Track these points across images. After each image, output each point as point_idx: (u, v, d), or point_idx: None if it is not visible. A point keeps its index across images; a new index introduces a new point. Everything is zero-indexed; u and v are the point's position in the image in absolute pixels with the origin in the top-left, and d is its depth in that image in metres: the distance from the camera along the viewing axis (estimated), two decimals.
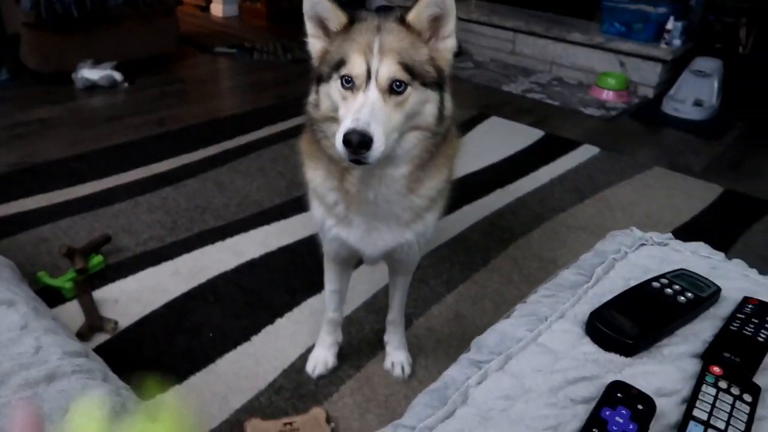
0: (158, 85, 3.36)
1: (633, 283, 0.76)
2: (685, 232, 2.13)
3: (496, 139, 2.83)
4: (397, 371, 1.48)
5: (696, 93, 3.32)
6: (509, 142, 2.81)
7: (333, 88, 0.97)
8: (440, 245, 1.96)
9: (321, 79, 1.01)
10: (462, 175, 2.43)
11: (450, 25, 0.99)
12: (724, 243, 2.09)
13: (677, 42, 3.48)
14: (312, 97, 1.04)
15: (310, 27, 1.04)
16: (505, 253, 1.95)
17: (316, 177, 1.13)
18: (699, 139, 3.04)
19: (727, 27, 3.51)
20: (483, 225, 2.11)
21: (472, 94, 3.51)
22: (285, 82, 3.53)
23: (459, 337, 1.59)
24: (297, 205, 2.11)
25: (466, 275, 1.84)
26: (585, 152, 2.75)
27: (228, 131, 2.73)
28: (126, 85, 3.27)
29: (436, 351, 1.56)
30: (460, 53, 4.18)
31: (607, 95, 3.48)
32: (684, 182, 2.53)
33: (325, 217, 1.16)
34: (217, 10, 5.11)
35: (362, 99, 0.92)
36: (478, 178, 2.45)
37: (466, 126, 2.95)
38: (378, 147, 0.89)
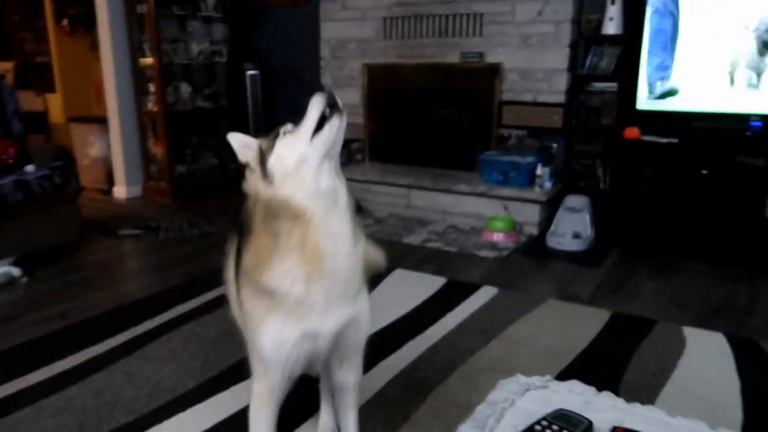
0: (60, 275, 3.30)
1: (520, 429, 0.85)
2: (584, 358, 2.31)
3: (403, 291, 2.98)
4: None
5: (573, 227, 3.72)
6: (415, 292, 2.97)
7: (298, 133, 1.18)
8: (361, 406, 1.98)
9: (264, 155, 1.19)
10: (375, 330, 2.53)
11: None
12: (620, 363, 2.27)
13: (548, 185, 3.94)
14: (258, 180, 1.18)
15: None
16: (424, 404, 2.00)
17: (279, 273, 1.16)
18: (582, 268, 3.36)
19: (586, 168, 4.05)
20: (400, 379, 2.17)
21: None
22: (193, 257, 3.59)
23: None
24: (212, 386, 2.08)
25: None
26: (485, 294, 2.95)
27: (135, 316, 2.70)
28: (25, 279, 3.19)
29: None
30: (360, 210, 4.46)
31: (498, 237, 3.81)
32: (575, 310, 2.76)
33: (284, 323, 1.19)
34: (120, 192, 5.20)
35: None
36: (391, 332, 2.55)
37: (374, 281, 3.09)
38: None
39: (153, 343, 2.45)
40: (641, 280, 3.18)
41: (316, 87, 5.10)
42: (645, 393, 2.06)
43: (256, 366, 1.31)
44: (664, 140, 3.57)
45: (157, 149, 5.16)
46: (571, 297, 2.95)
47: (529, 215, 3.96)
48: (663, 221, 3.54)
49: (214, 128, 5.47)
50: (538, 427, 0.83)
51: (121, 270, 3.56)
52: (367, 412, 1.96)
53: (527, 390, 0.98)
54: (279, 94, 5.53)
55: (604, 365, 2.26)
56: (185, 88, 5.23)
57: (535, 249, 3.67)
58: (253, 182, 1.21)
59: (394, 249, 3.71)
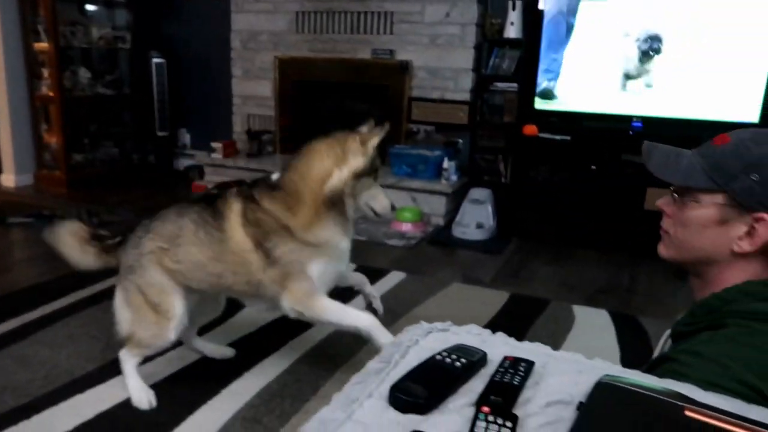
0: None
1: (423, 359, 0.92)
2: None
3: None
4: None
5: (476, 218, 3.91)
6: None
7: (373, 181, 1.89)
8: (270, 382, 2.00)
9: (361, 176, 1.83)
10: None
11: None
12: (516, 337, 2.42)
13: (454, 178, 4.12)
14: (345, 184, 1.79)
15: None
16: (333, 378, 2.05)
17: (327, 232, 1.78)
18: (485, 255, 3.54)
19: (489, 162, 4.26)
20: (311, 355, 2.20)
21: None
22: None
23: None
24: (114, 368, 2.02)
25: (297, 407, 1.89)
26: (394, 278, 3.05)
27: (29, 302, 2.54)
28: None
29: None
30: None
31: (406, 227, 3.93)
32: (477, 293, 2.91)
33: (326, 264, 1.81)
34: (8, 180, 4.84)
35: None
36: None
37: None
38: None
39: (49, 328, 2.33)
40: (538, 266, 3.40)
41: (226, 78, 5.02)
42: None
43: (296, 282, 1.78)
44: (558, 138, 3.84)
45: (52, 136, 4.86)
46: (474, 281, 3.11)
47: (436, 206, 4.11)
48: (558, 212, 3.81)
49: (116, 116, 5.23)
50: (438, 357, 0.91)
51: (9, 258, 3.33)
52: (277, 387, 1.99)
53: (430, 332, 1.06)
54: (187, 84, 5.38)
55: None
56: (84, 74, 4.96)
57: (441, 238, 3.82)
58: (340, 181, 1.78)
59: None
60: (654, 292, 3.08)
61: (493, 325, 2.47)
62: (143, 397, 1.87)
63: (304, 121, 4.86)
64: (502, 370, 0.91)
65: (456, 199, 4.17)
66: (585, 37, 3.74)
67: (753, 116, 3.43)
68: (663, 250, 1.11)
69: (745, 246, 0.92)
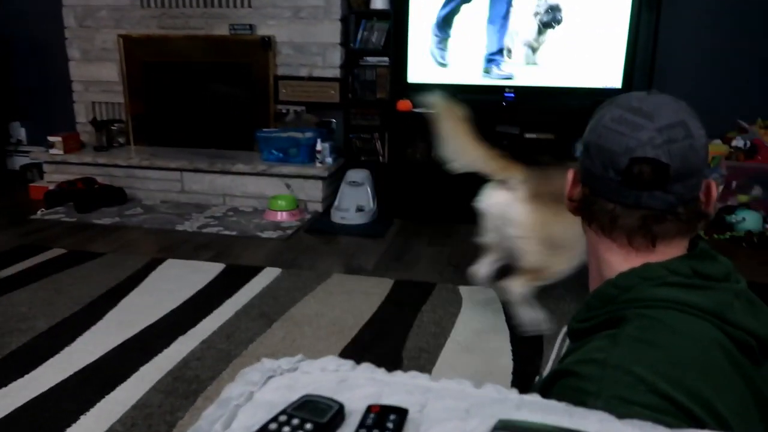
0: None
1: (254, 430, 0.66)
2: (369, 330, 2.25)
3: (174, 283, 2.65)
4: None
5: (356, 201, 3.70)
6: (188, 283, 2.65)
7: None
8: (114, 423, 1.66)
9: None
10: (136, 332, 2.18)
11: None
12: (403, 329, 2.25)
13: (329, 160, 3.86)
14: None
15: None
16: (193, 407, 1.75)
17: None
18: (367, 240, 3.34)
19: (365, 142, 4.05)
20: (166, 382, 1.87)
21: (144, 240, 3.29)
22: None
23: None
24: None
25: None
26: (267, 275, 2.75)
27: None
28: None
29: None
30: (126, 200, 3.95)
31: (281, 216, 3.63)
32: (360, 282, 2.70)
33: None
34: None
35: None
36: (157, 330, 2.22)
37: (137, 277, 2.71)
38: None
39: None
40: (421, 247, 3.26)
41: (62, 61, 4.37)
42: (427, 356, 2.06)
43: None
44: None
45: None
46: (356, 269, 2.90)
47: (313, 192, 3.84)
48: (438, 190, 3.69)
49: None
50: (273, 426, 0.64)
51: None
52: (124, 428, 1.65)
53: (271, 377, 0.79)
54: (17, 70, 4.64)
55: (388, 334, 2.22)
56: None
57: (319, 226, 3.57)
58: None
59: (164, 238, 3.32)
60: None
61: (378, 319, 2.27)
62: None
63: (160, 107, 4.36)
64: (364, 430, 0.67)
65: (333, 182, 3.92)
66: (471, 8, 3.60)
67: (616, 82, 3.48)
68: None
69: (568, 205, 0.87)
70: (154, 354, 2.04)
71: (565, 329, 0.94)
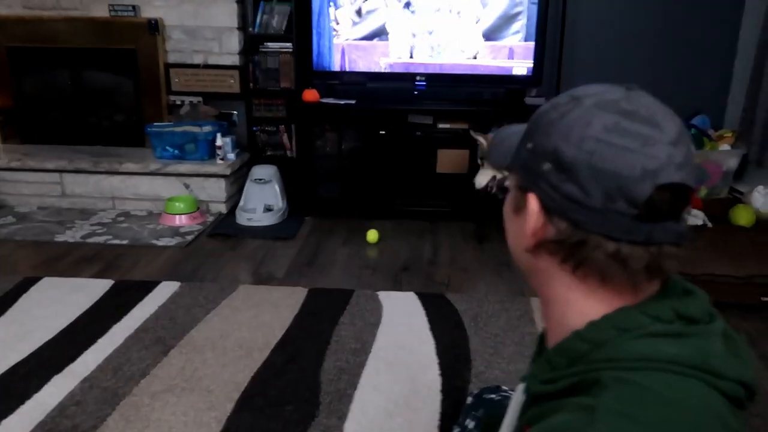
0: None
1: None
2: (281, 350, 2.02)
3: (50, 308, 2.27)
4: None
5: (263, 200, 3.42)
6: (67, 306, 2.29)
7: None
8: None
9: None
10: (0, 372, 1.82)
11: None
12: (320, 347, 2.03)
13: (231, 156, 3.55)
14: None
15: None
16: None
17: None
18: (277, 243, 3.08)
19: (271, 135, 3.77)
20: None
21: (16, 255, 2.85)
22: None
23: None
24: None
25: None
26: (164, 291, 2.44)
27: None
28: None
29: None
30: None
31: (180, 220, 3.29)
32: (270, 294, 2.45)
33: None
34: None
35: None
36: (27, 368, 1.87)
37: (4, 302, 2.31)
38: None
39: None
40: (335, 247, 3.04)
41: None
42: (347, 378, 1.86)
43: None
44: (342, 102, 3.48)
45: None
46: (266, 278, 2.64)
47: (215, 191, 3.52)
48: (350, 184, 3.49)
49: None
50: None
51: None
52: None
53: None
54: None
55: (302, 354, 1.99)
56: None
57: (224, 229, 3.26)
58: None
59: (41, 252, 2.89)
60: (456, 258, 2.92)
61: (291, 336, 2.00)
62: None
63: (33, 100, 3.84)
64: None
65: (237, 180, 3.62)
66: None
67: (524, 70, 3.42)
68: None
69: (525, 241, 0.66)
70: (22, 401, 1.70)
71: (522, 386, 0.76)
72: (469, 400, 1.49)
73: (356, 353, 2.00)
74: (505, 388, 1.53)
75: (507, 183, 0.73)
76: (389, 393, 1.77)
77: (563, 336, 0.67)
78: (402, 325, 2.21)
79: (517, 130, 0.76)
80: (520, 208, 0.67)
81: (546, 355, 0.67)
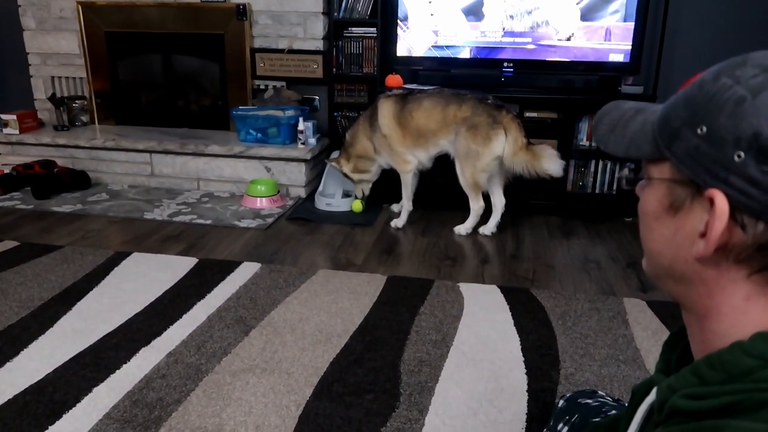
0: None
1: None
2: (360, 337, 1.97)
3: (138, 282, 2.34)
4: None
5: (342, 185, 3.40)
6: (155, 281, 2.35)
7: None
8: None
9: None
10: (90, 344, 1.88)
11: None
12: (399, 336, 1.98)
13: (312, 141, 3.55)
14: None
15: None
16: None
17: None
18: (355, 229, 3.05)
19: (352, 120, 3.73)
20: (122, 409, 1.58)
21: (108, 231, 2.97)
22: None
23: None
24: None
25: None
26: (245, 272, 2.46)
27: None
28: None
29: None
30: (89, 185, 3.60)
31: (261, 203, 3.32)
32: (349, 280, 2.42)
33: None
34: None
35: None
36: (116, 340, 1.92)
37: (97, 275, 2.40)
38: None
39: None
40: (415, 237, 2.98)
41: (16, 31, 3.96)
42: (428, 368, 1.79)
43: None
44: (427, 88, 3.39)
45: None
46: (344, 264, 2.62)
47: (295, 176, 3.53)
48: (431, 173, 3.40)
49: None
50: None
51: None
52: None
53: None
54: None
55: (382, 343, 1.94)
56: None
57: (303, 213, 3.27)
58: None
59: (131, 228, 3.00)
60: (540, 254, 2.78)
61: (370, 324, 1.95)
62: None
63: (127, 82, 4.00)
64: None
65: (317, 165, 3.62)
66: None
67: (622, 57, 3.20)
68: (643, 260, 0.69)
69: (701, 248, 0.56)
70: (111, 371, 1.74)
71: (651, 399, 0.66)
72: (561, 403, 1.39)
73: (437, 345, 1.93)
74: (602, 393, 1.41)
75: (649, 175, 0.62)
76: (472, 389, 1.69)
77: (713, 345, 0.57)
78: (485, 320, 2.11)
79: (633, 108, 0.66)
80: (680, 207, 0.57)
81: (694, 367, 0.57)
